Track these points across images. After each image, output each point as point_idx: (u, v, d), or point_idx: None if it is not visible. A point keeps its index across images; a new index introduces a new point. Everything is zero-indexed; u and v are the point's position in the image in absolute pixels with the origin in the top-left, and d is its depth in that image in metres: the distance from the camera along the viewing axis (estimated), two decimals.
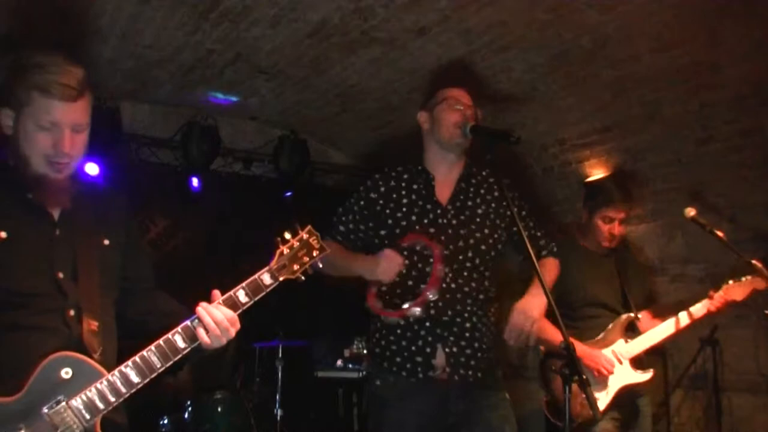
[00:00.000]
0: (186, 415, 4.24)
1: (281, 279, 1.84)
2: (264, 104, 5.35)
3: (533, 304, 2.29)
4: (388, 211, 2.43)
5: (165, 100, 5.36)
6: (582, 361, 3.07)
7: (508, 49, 3.97)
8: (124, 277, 1.88)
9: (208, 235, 5.70)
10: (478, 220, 2.43)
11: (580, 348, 3.08)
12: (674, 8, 3.33)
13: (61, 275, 1.70)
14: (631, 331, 3.21)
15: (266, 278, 1.82)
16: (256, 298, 1.81)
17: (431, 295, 2.27)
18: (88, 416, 1.60)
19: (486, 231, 2.41)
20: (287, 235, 1.88)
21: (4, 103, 1.69)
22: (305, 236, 1.90)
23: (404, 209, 2.42)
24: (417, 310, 2.27)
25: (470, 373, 2.34)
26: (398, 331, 2.36)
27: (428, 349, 2.33)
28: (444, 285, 2.31)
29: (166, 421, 4.24)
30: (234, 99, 5.21)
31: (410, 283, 2.34)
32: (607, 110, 4.40)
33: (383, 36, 3.98)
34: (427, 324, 2.33)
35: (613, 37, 3.67)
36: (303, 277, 1.89)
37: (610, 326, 3.18)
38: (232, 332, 1.76)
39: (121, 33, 4.10)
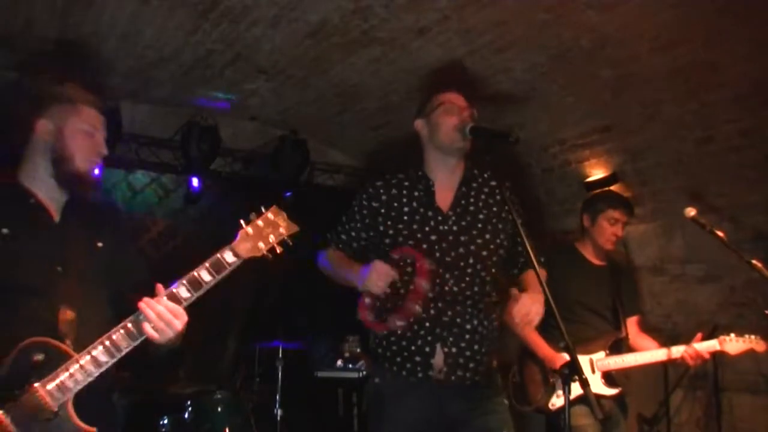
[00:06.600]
0: (186, 415, 4.23)
1: (246, 257, 1.86)
2: (264, 104, 5.35)
3: (539, 296, 2.25)
4: (389, 222, 2.43)
5: (165, 100, 5.36)
6: (545, 361, 3.15)
7: (508, 49, 3.97)
8: (118, 280, 2.01)
9: (208, 235, 5.69)
10: (479, 225, 2.42)
11: (547, 350, 3.14)
12: (674, 8, 3.34)
13: (59, 269, 1.85)
14: (617, 347, 3.25)
15: (228, 256, 1.85)
16: (219, 277, 1.83)
17: (417, 307, 2.28)
18: (59, 396, 1.71)
19: (487, 236, 2.40)
20: (252, 216, 1.91)
21: (39, 116, 1.94)
22: (270, 215, 1.92)
23: (405, 218, 2.41)
24: (401, 323, 2.30)
25: (468, 375, 2.34)
26: (398, 332, 2.36)
27: (427, 349, 2.33)
28: (446, 288, 2.33)
29: (166, 421, 4.23)
30: (232, 97, 5.20)
31: (398, 296, 2.33)
32: (607, 110, 4.40)
33: (383, 36, 3.98)
34: (427, 324, 2.33)
35: (613, 37, 3.67)
36: (270, 255, 1.89)
37: (599, 336, 3.23)
38: (177, 325, 1.79)
39: (121, 33, 4.10)
